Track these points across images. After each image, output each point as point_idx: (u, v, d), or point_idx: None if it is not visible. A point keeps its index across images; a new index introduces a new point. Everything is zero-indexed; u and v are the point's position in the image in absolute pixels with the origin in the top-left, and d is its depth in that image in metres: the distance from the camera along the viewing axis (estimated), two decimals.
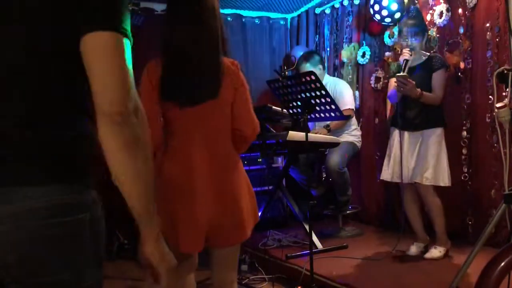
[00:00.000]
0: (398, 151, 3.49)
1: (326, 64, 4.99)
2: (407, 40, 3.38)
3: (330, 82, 4.49)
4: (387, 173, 3.56)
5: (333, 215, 4.39)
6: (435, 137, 3.33)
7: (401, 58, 3.45)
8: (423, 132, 3.38)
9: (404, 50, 3.45)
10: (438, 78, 3.33)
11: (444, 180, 3.32)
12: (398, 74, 3.33)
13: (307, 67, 4.38)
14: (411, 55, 3.40)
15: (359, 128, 4.50)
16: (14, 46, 1.02)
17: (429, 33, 3.80)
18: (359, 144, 4.43)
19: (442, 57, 3.43)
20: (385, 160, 3.64)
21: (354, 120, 4.46)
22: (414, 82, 3.29)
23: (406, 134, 3.47)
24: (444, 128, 3.38)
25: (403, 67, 3.40)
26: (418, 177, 3.32)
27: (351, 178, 4.34)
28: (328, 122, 4.22)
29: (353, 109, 4.43)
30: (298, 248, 3.82)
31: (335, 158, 4.12)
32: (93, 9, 1.02)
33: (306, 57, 4.49)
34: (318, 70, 4.41)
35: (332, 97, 4.31)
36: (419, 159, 3.35)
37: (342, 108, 4.26)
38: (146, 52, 2.81)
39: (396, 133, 3.54)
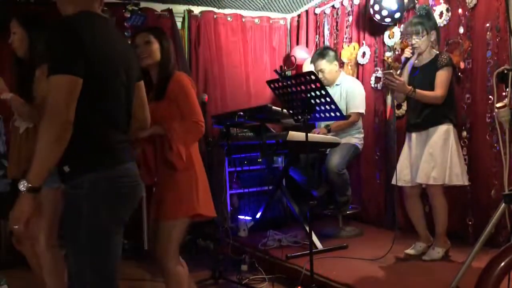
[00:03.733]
0: (406, 154, 3.47)
1: None
2: (410, 38, 3.38)
3: (345, 80, 4.43)
4: (394, 178, 3.48)
5: (333, 216, 4.38)
6: (440, 134, 3.30)
7: (403, 57, 3.45)
8: (428, 130, 3.36)
9: (406, 49, 3.45)
10: (440, 76, 3.30)
11: (457, 178, 3.26)
12: (384, 71, 3.32)
13: (323, 64, 4.33)
14: (412, 53, 3.39)
15: (362, 130, 4.46)
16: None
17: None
18: (361, 147, 4.41)
19: (449, 56, 3.40)
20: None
21: (359, 123, 4.43)
22: (402, 79, 3.29)
23: (413, 135, 3.45)
24: (454, 125, 3.34)
25: (402, 66, 3.41)
26: (425, 177, 3.29)
27: (351, 179, 4.33)
28: (329, 122, 4.20)
29: (362, 113, 4.35)
30: (298, 248, 3.82)
31: (335, 160, 4.11)
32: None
33: (322, 53, 4.39)
34: (334, 66, 4.37)
35: (344, 96, 4.34)
36: (425, 159, 3.31)
37: (351, 110, 4.26)
38: None
39: (406, 135, 3.54)
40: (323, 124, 4.35)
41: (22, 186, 1.60)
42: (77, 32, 1.68)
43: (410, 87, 3.27)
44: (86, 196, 1.71)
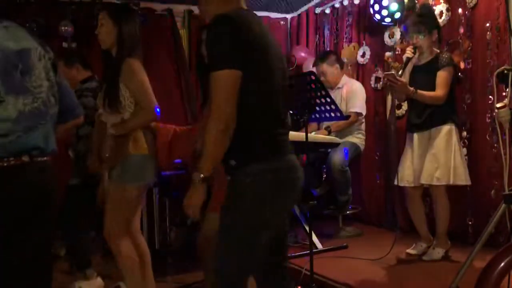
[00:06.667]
0: (409, 154, 3.47)
1: None
2: (411, 38, 3.37)
3: (347, 82, 4.50)
4: (396, 179, 3.49)
5: (333, 215, 4.38)
6: (443, 135, 3.29)
7: (404, 57, 3.45)
8: (430, 131, 3.35)
9: (407, 48, 3.44)
10: (441, 76, 3.29)
11: (461, 178, 3.27)
12: (386, 73, 3.31)
13: (324, 66, 4.40)
14: (414, 53, 3.38)
15: (364, 132, 4.47)
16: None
17: None
18: (362, 147, 4.42)
19: (450, 55, 3.39)
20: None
21: (362, 125, 4.45)
22: (404, 80, 3.28)
23: (415, 136, 3.44)
24: (456, 125, 3.34)
25: (403, 66, 3.40)
26: (428, 178, 3.28)
27: (351, 178, 4.33)
28: (329, 123, 4.21)
29: (360, 113, 4.37)
30: (298, 248, 3.82)
31: (338, 156, 4.11)
32: None
33: (322, 56, 4.49)
34: (335, 69, 4.44)
35: (345, 97, 4.36)
36: (428, 159, 3.31)
37: (349, 110, 4.29)
38: (146, 52, 2.82)
39: (408, 136, 3.53)
40: (324, 125, 4.36)
41: (196, 177, 1.72)
42: (234, 27, 1.72)
43: (412, 88, 3.26)
44: (250, 185, 1.75)
